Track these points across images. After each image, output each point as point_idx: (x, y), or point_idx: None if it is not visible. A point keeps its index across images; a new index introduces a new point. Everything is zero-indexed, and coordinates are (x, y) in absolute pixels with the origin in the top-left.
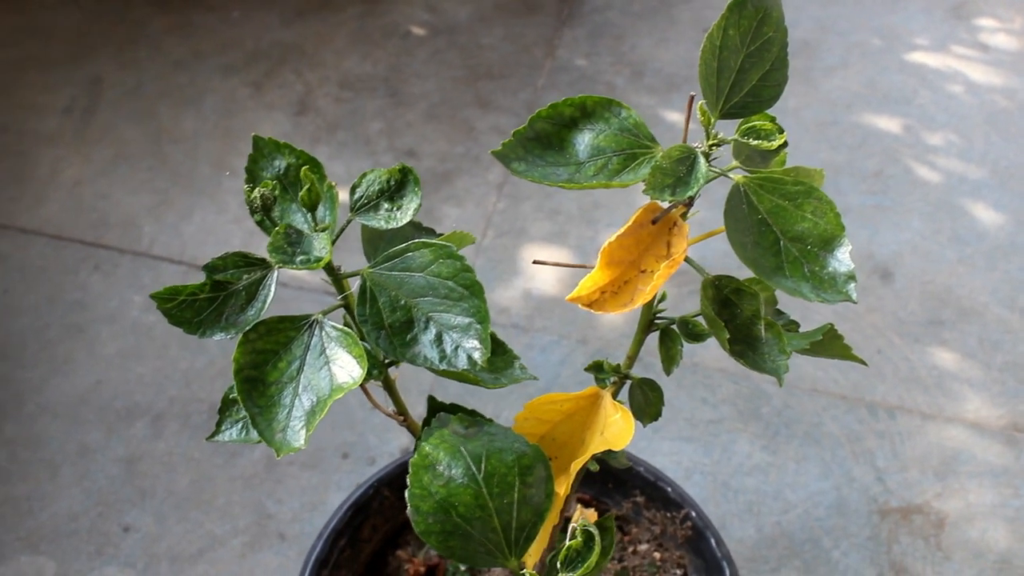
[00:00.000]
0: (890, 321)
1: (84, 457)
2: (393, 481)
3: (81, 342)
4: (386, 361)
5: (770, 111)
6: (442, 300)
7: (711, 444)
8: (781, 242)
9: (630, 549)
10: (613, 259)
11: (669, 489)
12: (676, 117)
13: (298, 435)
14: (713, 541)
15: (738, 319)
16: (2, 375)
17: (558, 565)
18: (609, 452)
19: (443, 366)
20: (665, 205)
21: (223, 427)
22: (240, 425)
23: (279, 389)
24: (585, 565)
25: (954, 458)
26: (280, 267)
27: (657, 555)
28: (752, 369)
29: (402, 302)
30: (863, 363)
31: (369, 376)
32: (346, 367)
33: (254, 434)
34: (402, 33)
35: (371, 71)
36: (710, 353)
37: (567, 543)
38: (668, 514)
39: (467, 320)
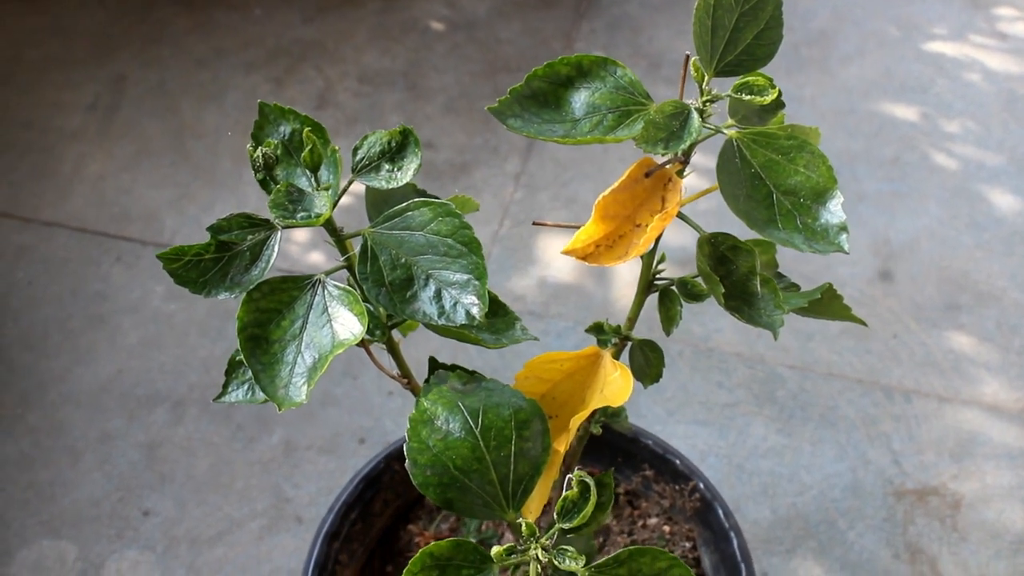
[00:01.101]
0: (907, 306)
1: (105, 443)
2: (402, 456)
3: (103, 332)
4: (389, 324)
5: (785, 99)
6: (441, 257)
7: (726, 427)
8: (774, 195)
9: (640, 523)
10: (608, 213)
11: (677, 462)
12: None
13: (300, 390)
14: (721, 512)
15: (734, 275)
16: (26, 365)
17: (555, 516)
18: (613, 417)
19: (442, 321)
20: (660, 161)
21: (229, 388)
22: (247, 386)
23: (282, 347)
24: (581, 515)
25: (971, 440)
26: (283, 225)
27: (666, 528)
28: (748, 323)
29: (402, 260)
30: (863, 323)
31: (372, 337)
32: (347, 324)
33: (260, 394)
34: (421, 28)
35: (390, 66)
36: (725, 338)
37: (564, 494)
38: (677, 487)
39: (466, 276)
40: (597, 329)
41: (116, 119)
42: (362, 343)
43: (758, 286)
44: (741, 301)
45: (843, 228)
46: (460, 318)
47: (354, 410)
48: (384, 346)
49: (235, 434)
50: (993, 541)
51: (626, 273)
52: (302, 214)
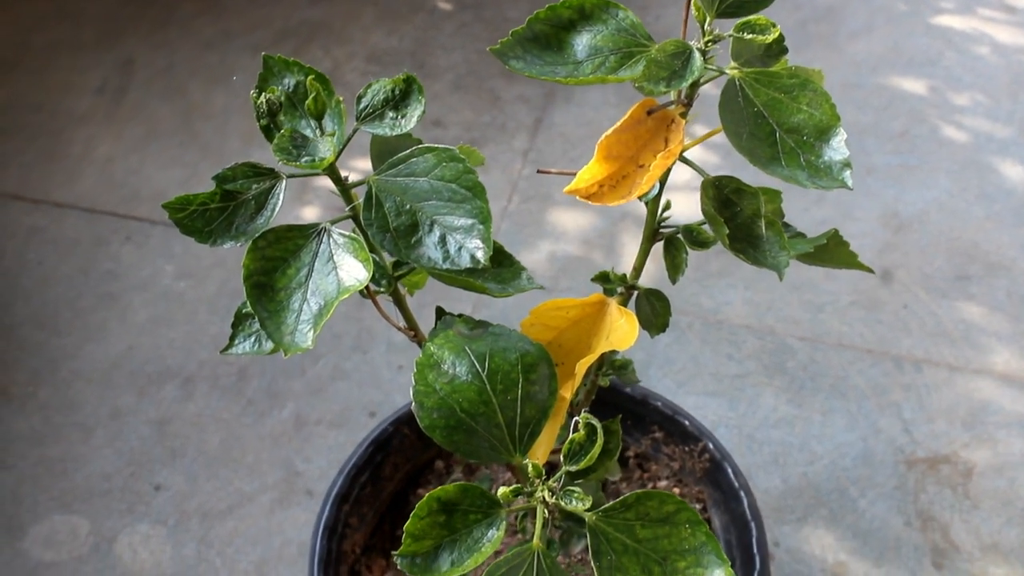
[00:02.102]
0: (916, 276)
1: (116, 420)
2: (413, 420)
3: (113, 310)
4: (395, 275)
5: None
6: (445, 203)
7: (736, 398)
8: (777, 134)
9: (649, 485)
10: (611, 153)
11: (687, 423)
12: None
13: (306, 336)
14: (731, 471)
15: (739, 218)
16: (37, 343)
17: (561, 458)
18: (620, 369)
19: (447, 266)
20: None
21: (236, 340)
22: (253, 339)
23: (288, 295)
24: (588, 457)
25: (982, 409)
26: (288, 173)
27: (676, 491)
28: (753, 264)
29: (407, 207)
30: (869, 270)
31: (379, 288)
32: (352, 271)
33: (267, 346)
34: (429, 8)
35: (398, 45)
36: (734, 310)
37: (570, 436)
38: (686, 448)
39: (470, 221)
40: (603, 278)
41: (125, 102)
42: (369, 294)
43: (763, 228)
44: (746, 243)
45: (846, 164)
46: (465, 262)
47: (364, 384)
48: (391, 298)
49: (245, 409)
50: (1005, 508)
51: (635, 246)
52: (306, 158)
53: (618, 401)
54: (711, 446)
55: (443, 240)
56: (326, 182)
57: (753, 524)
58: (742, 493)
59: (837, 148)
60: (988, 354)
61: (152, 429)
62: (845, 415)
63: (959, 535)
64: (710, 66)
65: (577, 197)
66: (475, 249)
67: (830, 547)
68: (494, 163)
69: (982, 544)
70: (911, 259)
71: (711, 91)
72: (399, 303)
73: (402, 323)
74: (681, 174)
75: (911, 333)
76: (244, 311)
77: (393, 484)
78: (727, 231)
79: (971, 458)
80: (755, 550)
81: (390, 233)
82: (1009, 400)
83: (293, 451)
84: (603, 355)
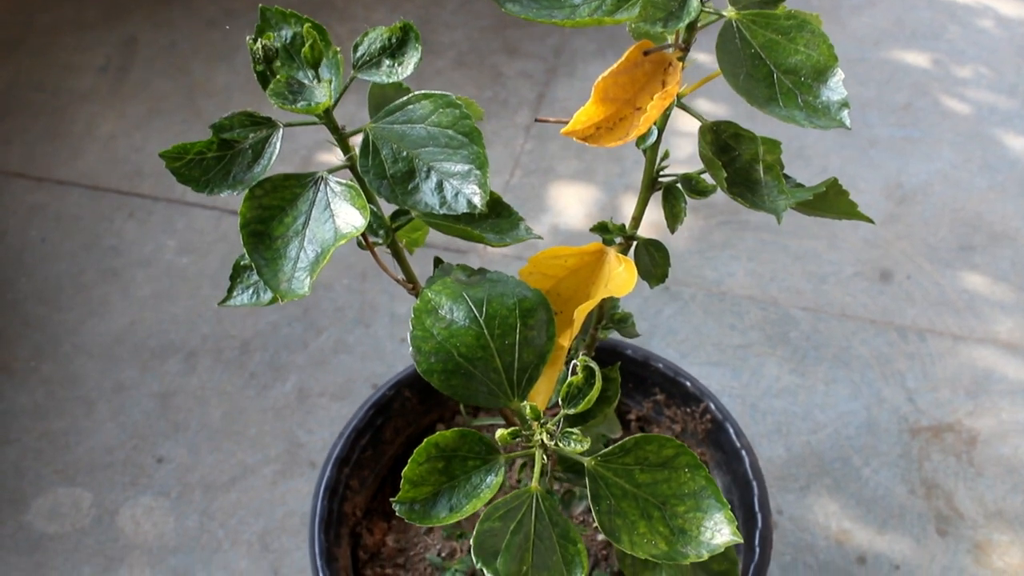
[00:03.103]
0: (920, 247)
1: (119, 393)
2: (414, 383)
3: (116, 285)
4: (393, 226)
5: None
6: (442, 149)
7: (739, 368)
8: (775, 74)
9: None
10: (608, 96)
11: (688, 384)
12: (703, 58)
13: (303, 283)
14: (732, 432)
15: (737, 163)
16: (40, 318)
17: (559, 402)
18: (620, 323)
19: (443, 211)
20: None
21: (235, 293)
22: (251, 290)
23: (285, 243)
24: (586, 399)
25: (986, 377)
26: (283, 108)
27: None
28: (751, 208)
29: (404, 153)
30: (870, 221)
31: (377, 239)
32: (349, 219)
33: (265, 296)
34: None
35: None
36: (737, 281)
37: (568, 379)
38: (687, 410)
39: (467, 167)
40: (601, 228)
41: (127, 80)
42: (367, 245)
43: (761, 173)
44: (744, 188)
45: (844, 104)
46: (462, 207)
47: (367, 357)
48: (389, 251)
49: (248, 382)
50: (1009, 476)
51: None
52: (302, 103)
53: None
54: (712, 407)
55: (440, 186)
56: (329, 157)
57: (755, 483)
58: (744, 453)
59: (835, 88)
60: (992, 323)
61: (155, 402)
62: (848, 384)
63: (963, 503)
64: (707, 8)
65: (574, 138)
66: (472, 195)
67: (834, 515)
68: (496, 138)
69: (986, 511)
70: (914, 230)
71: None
72: (397, 255)
73: (401, 276)
74: (684, 147)
75: (915, 303)
76: (242, 263)
77: (394, 448)
78: (725, 175)
79: (975, 426)
80: (757, 509)
81: (387, 180)
82: (1013, 368)
83: (296, 423)
84: (602, 308)
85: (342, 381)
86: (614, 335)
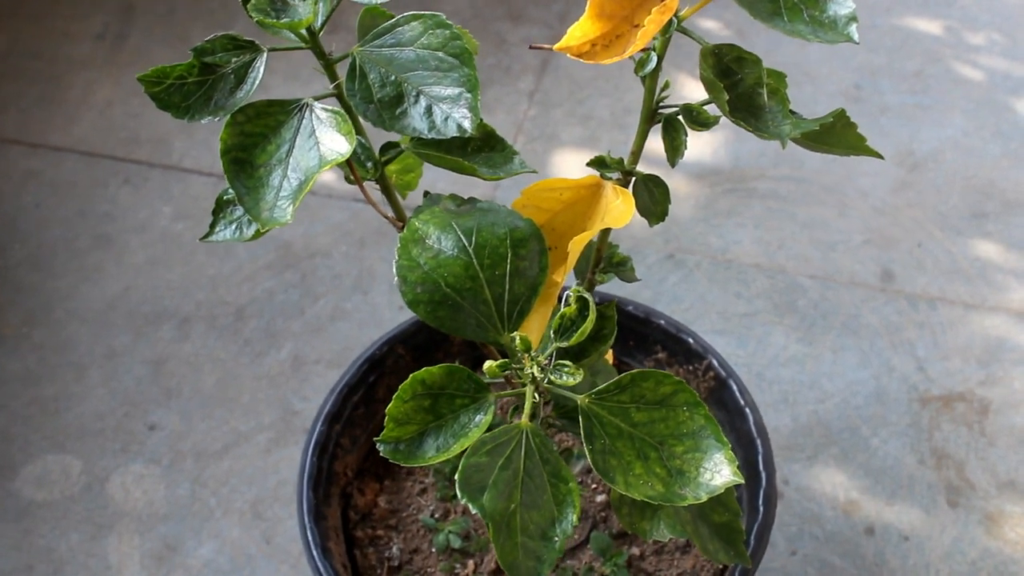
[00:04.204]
0: (931, 215)
1: (111, 360)
2: (408, 339)
3: (110, 251)
4: (382, 160)
5: None
6: (432, 72)
7: (745, 336)
8: None
9: None
10: (604, 12)
11: (691, 340)
12: (711, 24)
13: (285, 211)
14: (736, 389)
15: (740, 87)
16: (32, 284)
17: (551, 334)
18: (619, 266)
19: (432, 135)
20: None
21: (217, 228)
22: (234, 225)
23: (267, 171)
24: (579, 332)
25: (999, 346)
26: (265, 24)
27: None
28: (754, 133)
29: (392, 78)
30: (879, 156)
31: (365, 172)
32: (335, 146)
33: (248, 231)
34: None
35: None
36: (743, 249)
37: (561, 310)
38: (690, 367)
39: (457, 90)
40: (598, 163)
41: (125, 47)
42: (356, 179)
43: (765, 98)
44: (747, 113)
45: (852, 18)
46: (451, 131)
47: (364, 324)
48: (377, 185)
49: (242, 349)
50: (1022, 446)
51: None
52: (285, 19)
53: (620, 320)
54: (715, 363)
55: (429, 110)
56: None
57: (759, 441)
58: (747, 411)
59: (842, 1)
60: (1005, 291)
61: (147, 369)
62: (857, 353)
63: (975, 473)
64: None
65: (568, 55)
66: (462, 119)
67: (841, 485)
68: (499, 104)
69: (998, 482)
70: (925, 197)
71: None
72: (387, 191)
73: (391, 213)
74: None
75: (925, 271)
76: (225, 198)
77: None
78: (727, 98)
79: (987, 396)
80: (761, 468)
81: (374, 104)
82: None
83: (290, 391)
84: (600, 250)
85: (339, 348)
86: (615, 294)
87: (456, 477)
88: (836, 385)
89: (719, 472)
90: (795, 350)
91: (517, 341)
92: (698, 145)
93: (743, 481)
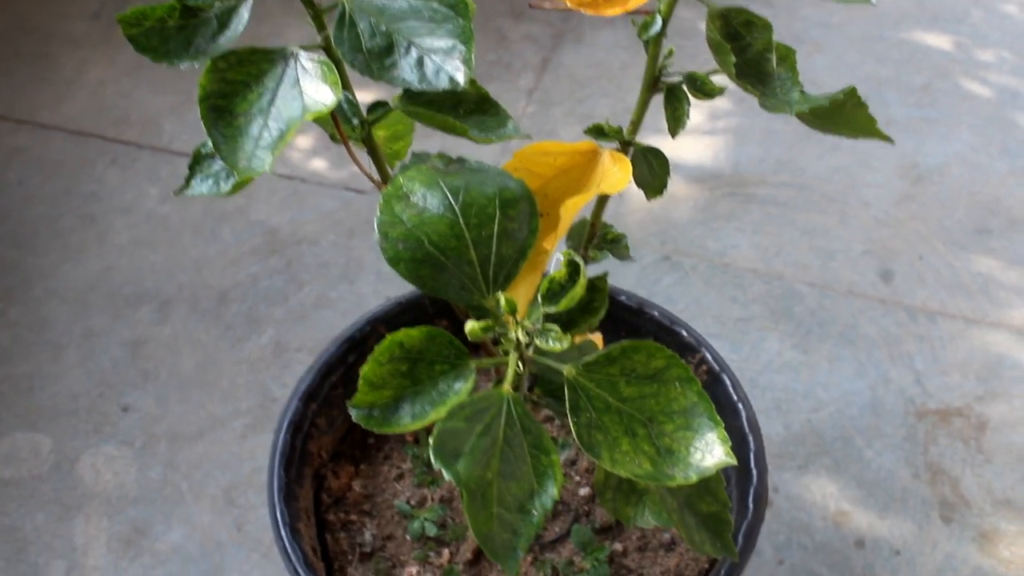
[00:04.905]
0: (934, 228)
1: (88, 340)
2: (391, 319)
3: (94, 231)
4: (369, 119)
5: (812, 26)
6: (425, 23)
7: (739, 341)
8: None
9: None
10: None
11: (684, 332)
12: None
13: (263, 161)
14: (729, 384)
15: (748, 53)
16: (12, 261)
17: (539, 299)
18: (613, 243)
19: (423, 87)
20: None
21: (193, 182)
22: (212, 180)
23: (247, 120)
24: (568, 296)
25: (998, 363)
26: None
27: None
28: (761, 100)
29: (383, 28)
30: (889, 140)
31: (351, 131)
32: (319, 95)
33: (226, 186)
34: None
35: None
36: (741, 253)
37: (551, 274)
38: (683, 360)
39: (450, 42)
40: (596, 131)
41: (119, 28)
42: (341, 137)
43: (774, 64)
44: (754, 79)
45: None
46: (443, 83)
47: (349, 313)
48: (364, 146)
49: (223, 334)
50: (1019, 464)
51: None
52: None
53: (612, 310)
54: (709, 357)
55: (420, 62)
56: None
57: (751, 438)
58: (740, 406)
59: None
60: (1006, 308)
61: (125, 350)
62: (854, 363)
63: (970, 489)
64: None
65: (568, 5)
66: (454, 71)
67: (832, 496)
68: (498, 101)
69: (994, 499)
70: (929, 210)
71: None
72: (373, 152)
73: (377, 176)
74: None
75: (926, 284)
76: (203, 151)
77: None
78: (734, 61)
79: (985, 412)
80: (752, 465)
81: (362, 54)
82: None
83: (270, 377)
84: (594, 226)
85: (322, 337)
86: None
87: (430, 440)
88: (831, 394)
89: (711, 452)
90: (790, 357)
91: (502, 302)
92: (698, 148)
93: (736, 462)
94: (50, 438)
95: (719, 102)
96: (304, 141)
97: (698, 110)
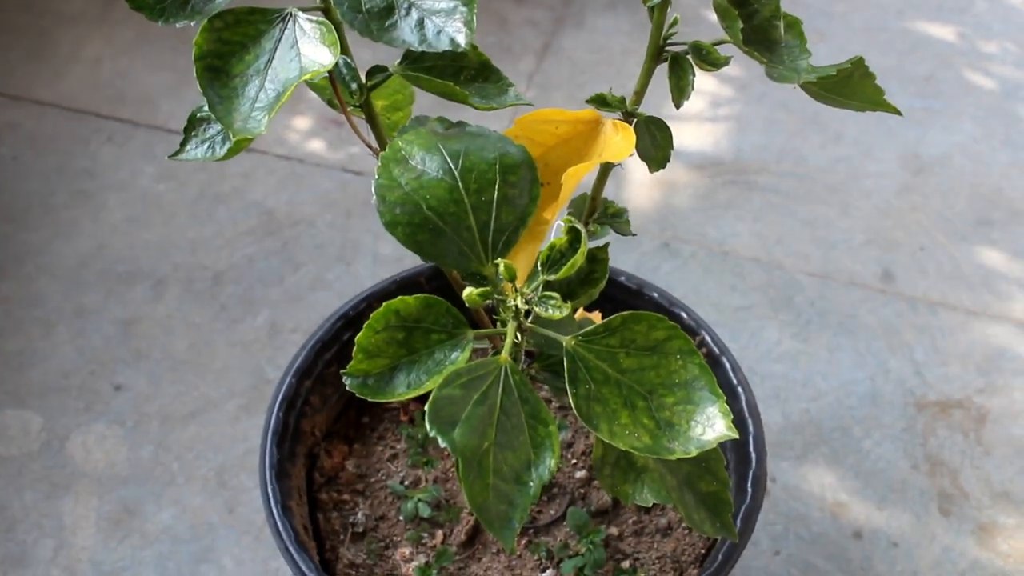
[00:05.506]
0: (935, 219)
1: (80, 317)
2: (387, 297)
3: (87, 208)
4: (368, 84)
5: (815, 15)
6: None
7: (738, 330)
8: None
9: None
10: None
11: (684, 315)
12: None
13: (259, 122)
14: (729, 367)
15: (755, 19)
16: (3, 235)
17: (538, 266)
18: (614, 217)
19: (422, 48)
20: None
21: (188, 146)
22: (207, 144)
23: (244, 81)
24: (569, 264)
25: (999, 355)
26: None
27: None
28: (768, 68)
29: None
30: (897, 112)
31: (350, 97)
32: (317, 57)
33: (221, 151)
34: None
35: None
36: (741, 242)
37: (551, 240)
38: None
39: (452, 4)
40: (599, 100)
41: (117, 5)
42: (340, 104)
43: (781, 31)
44: (762, 46)
45: None
46: (443, 45)
47: (345, 295)
48: (361, 112)
49: (218, 314)
50: (1018, 457)
51: (639, 172)
52: None
53: (611, 292)
54: (708, 339)
55: (421, 23)
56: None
57: (751, 421)
58: (740, 389)
59: None
60: (1008, 300)
61: (117, 329)
62: (853, 353)
63: (969, 482)
64: None
65: None
66: (455, 32)
67: (830, 486)
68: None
69: (992, 492)
70: (930, 201)
71: None
72: (371, 119)
73: (375, 144)
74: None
75: (927, 275)
76: (199, 115)
77: None
78: (741, 25)
79: (985, 404)
80: (751, 449)
81: (362, 14)
82: None
83: (264, 359)
84: (595, 200)
85: (317, 318)
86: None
87: (426, 408)
88: (830, 384)
89: (712, 426)
90: (789, 346)
91: (501, 268)
92: (700, 135)
93: (737, 436)
94: (40, 416)
95: (721, 89)
96: (302, 122)
97: (700, 97)
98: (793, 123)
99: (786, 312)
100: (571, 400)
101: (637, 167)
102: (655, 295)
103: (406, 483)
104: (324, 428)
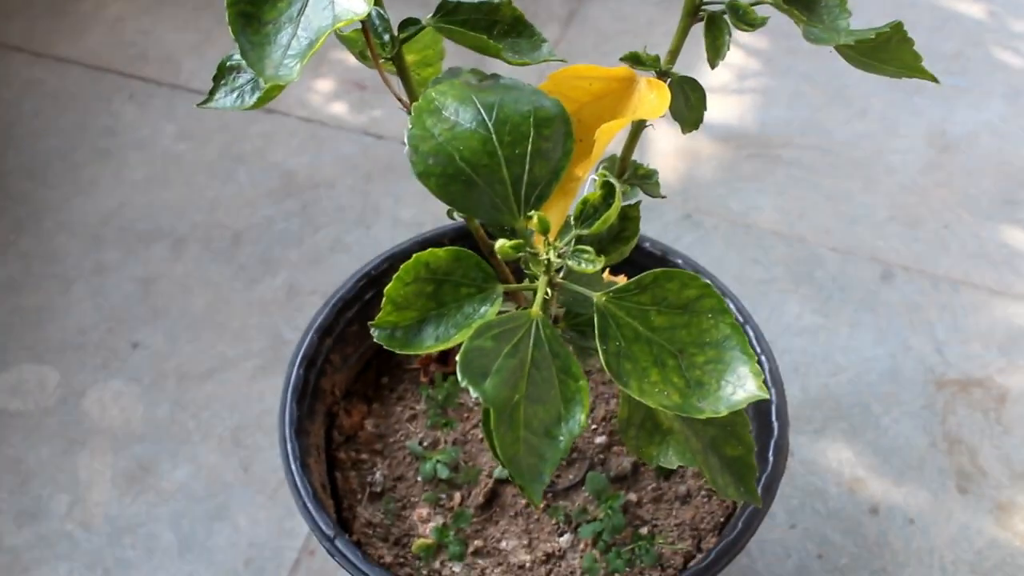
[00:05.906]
0: (960, 197)
1: (99, 274)
2: (409, 256)
3: (108, 166)
4: (400, 37)
5: None
6: None
7: (759, 303)
8: None
9: None
10: None
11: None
12: None
13: (291, 69)
14: (752, 335)
15: None
16: (23, 192)
17: (571, 221)
18: (644, 179)
19: None
20: None
21: (217, 95)
22: (236, 94)
23: (276, 28)
24: (602, 219)
25: (1021, 335)
26: None
27: None
28: (806, 28)
29: None
30: (934, 79)
31: (382, 50)
32: (351, 5)
33: (250, 100)
34: None
35: None
36: (764, 215)
37: (585, 195)
38: None
39: None
40: (633, 59)
41: None
42: (372, 55)
43: None
44: (801, 5)
45: None
46: None
47: (364, 258)
48: (394, 69)
49: (237, 274)
50: None
51: (670, 147)
52: None
53: (635, 257)
54: (733, 308)
55: None
56: (344, 57)
57: (773, 391)
58: (763, 358)
59: None
60: None
61: (136, 287)
62: (874, 330)
63: (988, 461)
64: None
65: None
66: None
67: (847, 462)
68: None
69: (1012, 472)
70: (956, 179)
71: None
72: (402, 73)
73: (405, 98)
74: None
75: (950, 253)
76: (229, 64)
77: None
78: None
79: (1006, 383)
80: (774, 418)
81: None
82: None
83: (283, 319)
84: (624, 161)
85: (336, 280)
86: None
87: (458, 358)
88: (850, 360)
89: (742, 386)
90: (810, 321)
91: (535, 220)
92: (725, 107)
93: (768, 396)
94: (57, 371)
95: (747, 62)
96: (325, 84)
97: (726, 69)
98: (818, 97)
99: (807, 286)
100: (600, 357)
101: (660, 137)
102: (679, 262)
103: (425, 444)
104: (344, 387)
